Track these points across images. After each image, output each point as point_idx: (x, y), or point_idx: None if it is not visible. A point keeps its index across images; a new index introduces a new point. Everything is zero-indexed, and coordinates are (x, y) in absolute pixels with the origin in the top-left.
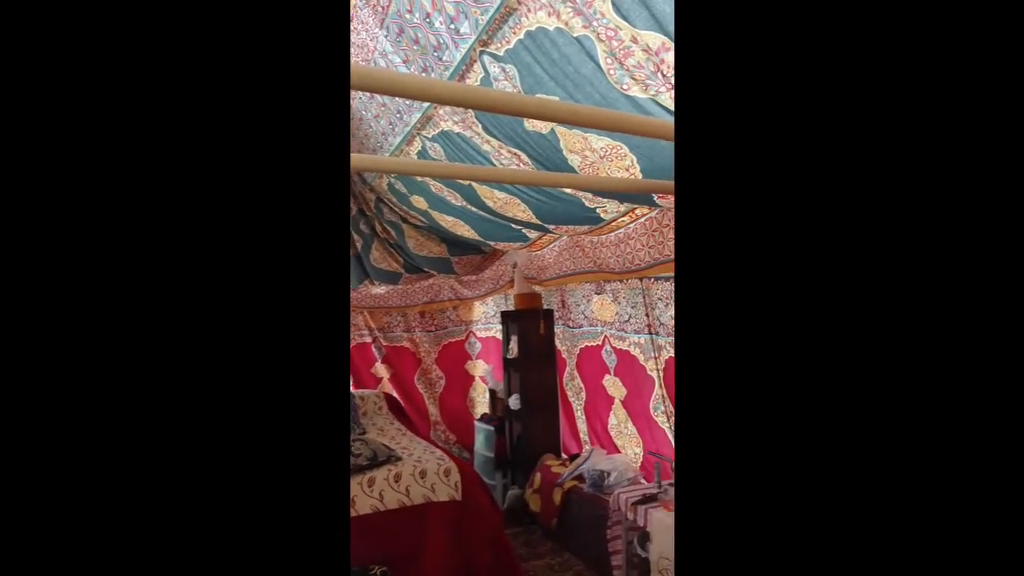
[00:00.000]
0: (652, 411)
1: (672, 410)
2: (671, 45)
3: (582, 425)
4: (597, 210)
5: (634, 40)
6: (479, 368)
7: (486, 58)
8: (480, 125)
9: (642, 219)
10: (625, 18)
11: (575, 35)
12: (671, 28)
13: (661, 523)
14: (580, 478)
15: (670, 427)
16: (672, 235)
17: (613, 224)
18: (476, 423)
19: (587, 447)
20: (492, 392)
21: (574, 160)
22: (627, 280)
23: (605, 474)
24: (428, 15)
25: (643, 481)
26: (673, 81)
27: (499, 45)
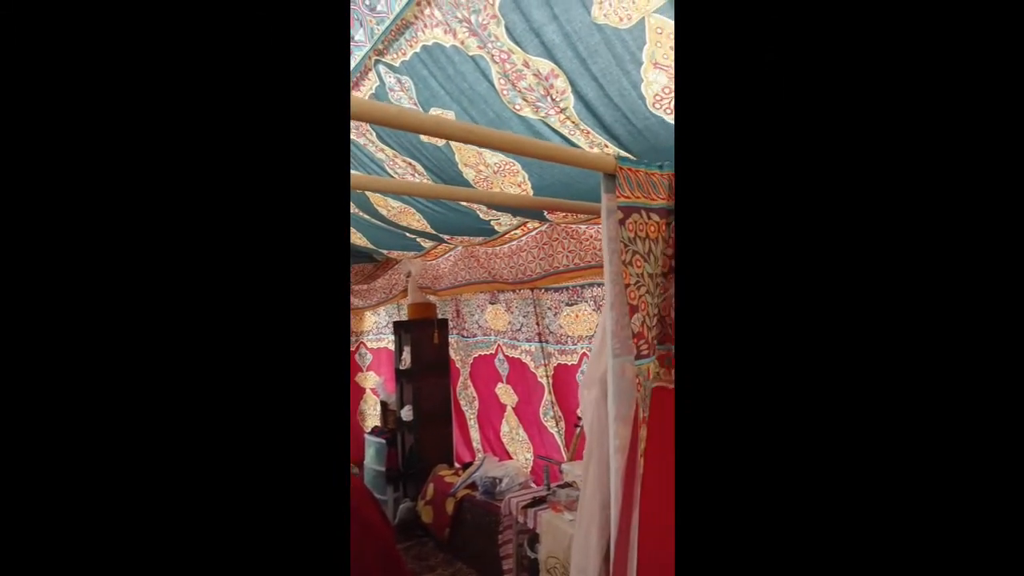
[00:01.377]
0: (542, 416)
1: (561, 415)
2: (560, 72)
3: (475, 434)
4: (491, 222)
5: (526, 64)
6: (370, 380)
7: (381, 68)
8: (374, 133)
9: (533, 232)
10: (518, 43)
11: (470, 54)
12: (559, 56)
13: (549, 524)
14: (473, 486)
15: (559, 431)
16: (560, 248)
17: (506, 236)
18: (367, 437)
19: (480, 455)
20: (384, 404)
21: (468, 174)
22: (519, 290)
23: (497, 480)
24: None
25: (533, 485)
26: (562, 105)
27: (395, 56)
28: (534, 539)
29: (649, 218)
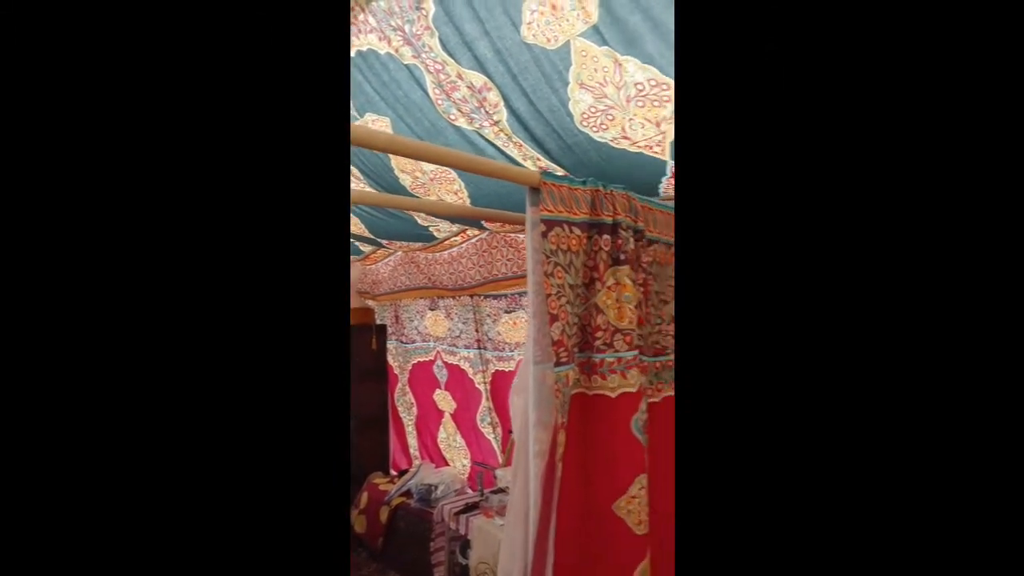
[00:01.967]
0: (479, 423)
1: (497, 421)
2: (492, 86)
3: (412, 440)
4: (430, 228)
5: (460, 76)
6: None
7: None
8: None
9: (473, 239)
10: (451, 55)
11: (405, 62)
12: (491, 71)
13: (481, 530)
14: (408, 494)
15: (496, 437)
16: (499, 256)
17: (446, 243)
18: None
19: (417, 462)
20: None
21: (405, 180)
22: (459, 297)
23: (433, 488)
24: None
25: (470, 491)
26: (495, 118)
27: None
28: (466, 545)
29: (571, 231)
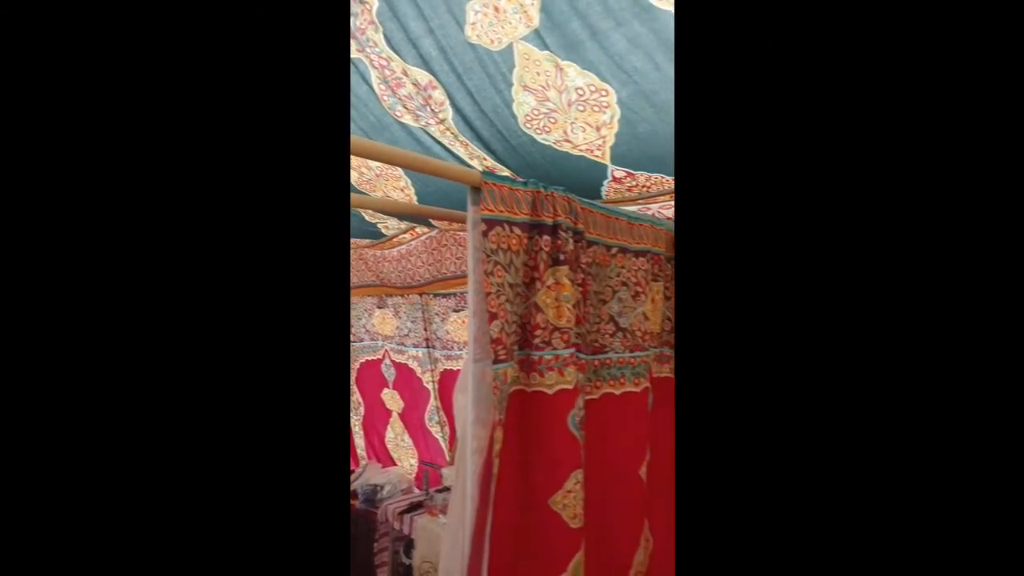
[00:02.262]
0: (427, 422)
1: (445, 420)
2: (437, 84)
3: (359, 440)
4: (378, 225)
5: (405, 73)
6: None
7: None
8: None
9: (423, 237)
10: (396, 51)
11: (350, 57)
12: (436, 69)
13: (424, 529)
14: (353, 495)
15: (444, 436)
16: (448, 255)
17: (395, 240)
18: None
19: (363, 462)
20: None
21: (352, 175)
22: (408, 295)
23: (379, 488)
24: None
25: (416, 491)
26: (441, 116)
27: None
28: (409, 545)
29: (511, 231)
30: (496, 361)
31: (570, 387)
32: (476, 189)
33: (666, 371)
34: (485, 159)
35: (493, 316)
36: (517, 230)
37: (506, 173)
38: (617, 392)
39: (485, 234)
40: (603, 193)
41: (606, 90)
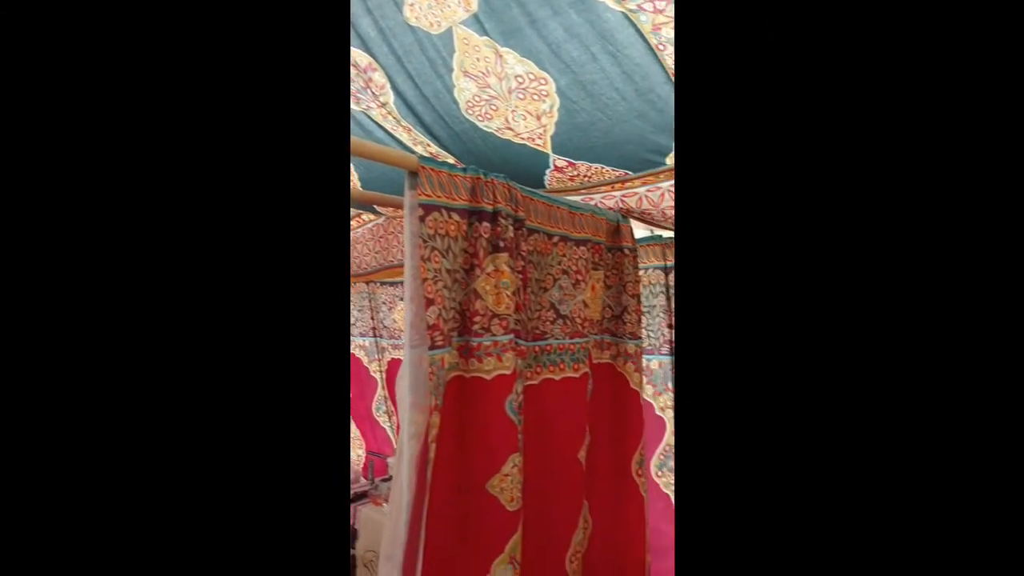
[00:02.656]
0: (375, 411)
1: (393, 409)
2: (377, 67)
3: None
4: None
5: None
6: None
7: None
8: None
9: (369, 224)
10: None
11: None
12: (376, 51)
13: (368, 518)
14: None
15: (391, 426)
16: (395, 242)
17: None
18: None
19: None
20: None
21: None
22: (355, 284)
23: None
24: None
25: (362, 480)
26: (382, 100)
27: None
28: (353, 535)
29: (449, 217)
30: (433, 347)
31: (508, 372)
32: (413, 174)
33: (606, 357)
34: (429, 145)
35: (430, 302)
36: (455, 216)
37: (451, 160)
38: (557, 378)
39: (422, 219)
40: (546, 182)
41: (545, 78)
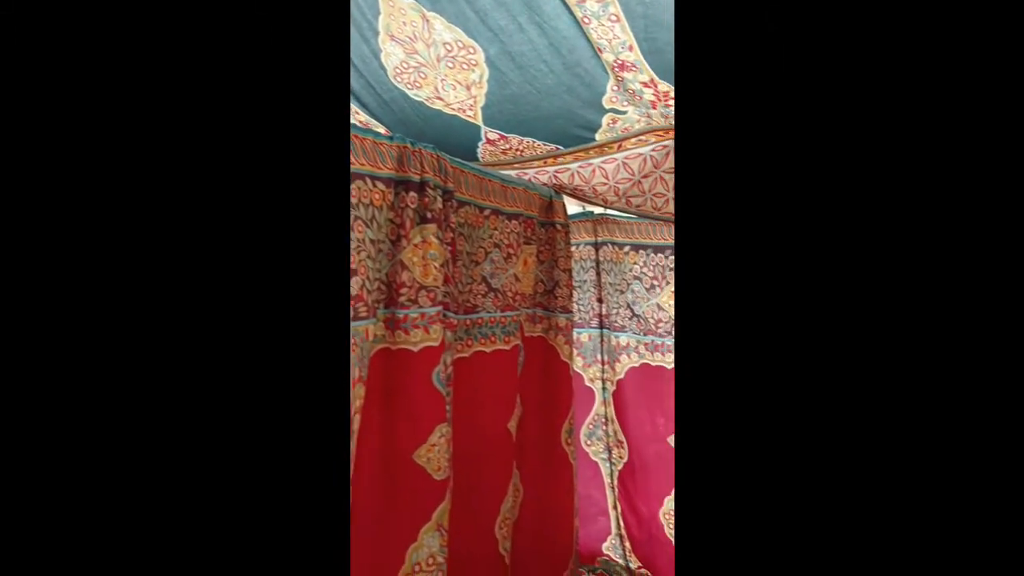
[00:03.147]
0: None
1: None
2: None
3: None
4: None
5: None
6: None
7: None
8: None
9: None
10: None
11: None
12: None
13: None
14: None
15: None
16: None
17: None
18: None
19: None
20: None
21: None
22: None
23: None
24: None
25: None
26: None
27: None
28: None
29: (374, 186)
30: (356, 318)
31: (436, 344)
32: None
33: (538, 331)
34: (357, 113)
35: (353, 272)
36: (380, 185)
37: (380, 130)
38: (488, 350)
39: None
40: (479, 155)
41: (473, 47)
